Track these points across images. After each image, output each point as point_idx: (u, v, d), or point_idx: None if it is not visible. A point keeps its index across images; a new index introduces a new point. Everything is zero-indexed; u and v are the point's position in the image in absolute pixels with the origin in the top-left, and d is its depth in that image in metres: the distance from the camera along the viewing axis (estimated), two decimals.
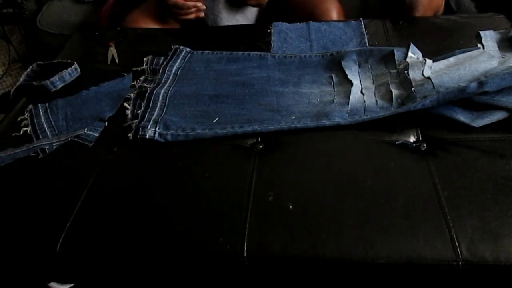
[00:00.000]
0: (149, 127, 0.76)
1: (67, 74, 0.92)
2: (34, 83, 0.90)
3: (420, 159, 0.66)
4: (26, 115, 0.84)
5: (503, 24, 0.96)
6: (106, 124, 0.80)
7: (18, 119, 0.83)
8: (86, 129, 0.78)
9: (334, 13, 1.10)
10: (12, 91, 0.91)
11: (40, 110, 0.85)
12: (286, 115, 0.77)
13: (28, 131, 0.80)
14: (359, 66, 0.87)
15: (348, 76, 0.84)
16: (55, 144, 0.76)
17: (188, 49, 0.98)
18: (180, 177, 0.68)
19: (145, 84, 0.89)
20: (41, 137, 0.78)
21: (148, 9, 1.13)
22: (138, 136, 0.75)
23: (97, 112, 0.83)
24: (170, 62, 0.95)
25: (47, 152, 0.75)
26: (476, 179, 0.62)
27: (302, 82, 0.86)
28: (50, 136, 0.78)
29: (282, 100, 0.81)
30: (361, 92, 0.81)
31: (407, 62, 0.83)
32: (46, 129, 0.80)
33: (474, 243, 0.55)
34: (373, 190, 0.62)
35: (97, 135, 0.78)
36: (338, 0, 1.13)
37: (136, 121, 0.79)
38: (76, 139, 0.77)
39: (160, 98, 0.84)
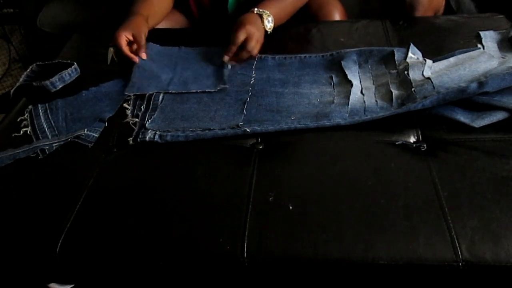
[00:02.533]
0: (148, 129, 0.76)
1: (67, 74, 0.92)
2: (34, 83, 0.90)
3: (420, 160, 0.66)
4: (26, 116, 0.84)
5: (503, 24, 0.96)
6: (106, 125, 0.80)
7: (18, 120, 0.83)
8: (86, 129, 0.78)
9: (337, 15, 1.12)
10: (12, 91, 0.91)
11: (40, 110, 0.85)
12: (286, 115, 0.77)
13: (28, 132, 0.80)
14: (359, 67, 0.87)
15: (348, 77, 0.84)
16: (55, 144, 0.76)
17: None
18: (180, 178, 0.68)
19: None
20: (41, 137, 0.78)
21: None
22: (138, 140, 0.75)
23: (97, 112, 0.83)
24: None
25: (47, 152, 0.75)
26: (476, 180, 0.62)
27: (302, 82, 0.86)
28: (50, 137, 0.78)
29: (282, 100, 0.81)
30: (361, 92, 0.81)
31: (407, 62, 0.83)
32: (46, 129, 0.80)
33: (475, 243, 0.55)
34: (373, 191, 0.62)
35: (97, 135, 0.78)
36: (340, 1, 1.14)
37: (136, 120, 0.79)
38: (76, 139, 0.77)
39: (160, 99, 0.84)
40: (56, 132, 0.79)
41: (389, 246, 0.56)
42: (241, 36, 0.87)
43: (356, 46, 0.92)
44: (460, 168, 0.64)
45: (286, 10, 0.98)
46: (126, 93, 0.86)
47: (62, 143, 0.77)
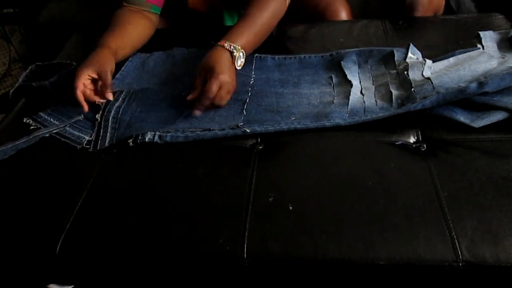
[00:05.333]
0: (148, 130, 0.76)
1: (66, 75, 0.91)
2: (33, 83, 0.89)
3: (420, 160, 0.66)
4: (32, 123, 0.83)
5: (503, 24, 0.96)
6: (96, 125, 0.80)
7: (26, 121, 0.82)
8: (82, 115, 0.81)
9: (344, 14, 1.13)
10: (11, 92, 0.90)
11: (43, 114, 0.84)
12: (286, 116, 0.77)
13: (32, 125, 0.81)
14: (358, 67, 0.87)
15: (348, 77, 0.84)
16: (55, 131, 0.78)
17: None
18: (180, 178, 0.68)
19: None
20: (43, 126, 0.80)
21: None
22: (138, 141, 0.75)
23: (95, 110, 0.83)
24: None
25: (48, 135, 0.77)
26: (476, 180, 0.62)
27: (302, 82, 0.86)
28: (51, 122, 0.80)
29: (282, 100, 0.81)
30: (361, 92, 0.81)
31: (407, 62, 0.83)
32: (47, 117, 0.82)
33: (475, 243, 0.55)
34: (373, 191, 0.62)
35: (87, 137, 0.77)
36: (346, 0, 1.16)
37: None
38: (75, 125, 0.79)
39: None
40: (57, 118, 0.81)
41: (389, 246, 0.56)
42: (215, 88, 0.77)
43: (355, 46, 0.92)
44: (460, 168, 0.64)
45: (260, 34, 0.89)
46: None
47: (61, 128, 0.78)
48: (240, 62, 0.84)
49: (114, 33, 0.90)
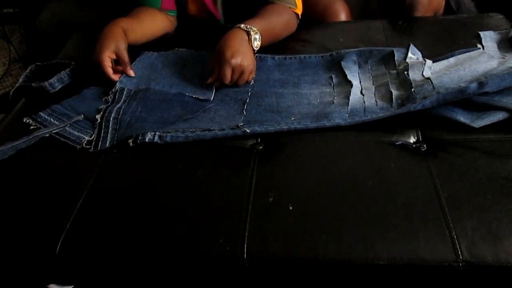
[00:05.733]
0: (148, 130, 0.76)
1: (65, 75, 0.91)
2: (33, 84, 0.89)
3: (420, 160, 0.66)
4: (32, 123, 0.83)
5: (503, 24, 0.96)
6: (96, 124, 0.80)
7: (26, 121, 0.82)
8: (82, 115, 0.81)
9: (343, 15, 1.14)
10: (11, 92, 0.90)
11: (43, 114, 0.84)
12: (286, 116, 0.77)
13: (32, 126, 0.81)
14: (359, 67, 0.87)
15: (348, 77, 0.84)
16: (55, 131, 0.78)
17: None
18: (180, 178, 0.68)
19: None
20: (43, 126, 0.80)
21: None
22: (138, 141, 0.74)
23: (93, 109, 0.83)
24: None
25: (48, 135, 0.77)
26: (476, 180, 0.62)
27: (302, 82, 0.86)
28: (51, 122, 0.80)
29: (282, 101, 0.81)
30: (361, 92, 0.81)
31: (407, 62, 0.83)
32: (47, 117, 0.81)
33: (475, 244, 0.55)
34: (373, 191, 0.62)
35: (87, 137, 0.77)
36: (345, 1, 1.16)
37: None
38: (75, 125, 0.79)
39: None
40: (57, 116, 0.81)
41: (389, 246, 0.56)
42: (228, 73, 0.80)
43: (356, 46, 0.92)
44: (460, 168, 0.64)
45: (273, 32, 0.91)
46: (118, 85, 0.86)
47: (61, 128, 0.78)
48: (256, 44, 0.85)
49: (128, 17, 0.94)
